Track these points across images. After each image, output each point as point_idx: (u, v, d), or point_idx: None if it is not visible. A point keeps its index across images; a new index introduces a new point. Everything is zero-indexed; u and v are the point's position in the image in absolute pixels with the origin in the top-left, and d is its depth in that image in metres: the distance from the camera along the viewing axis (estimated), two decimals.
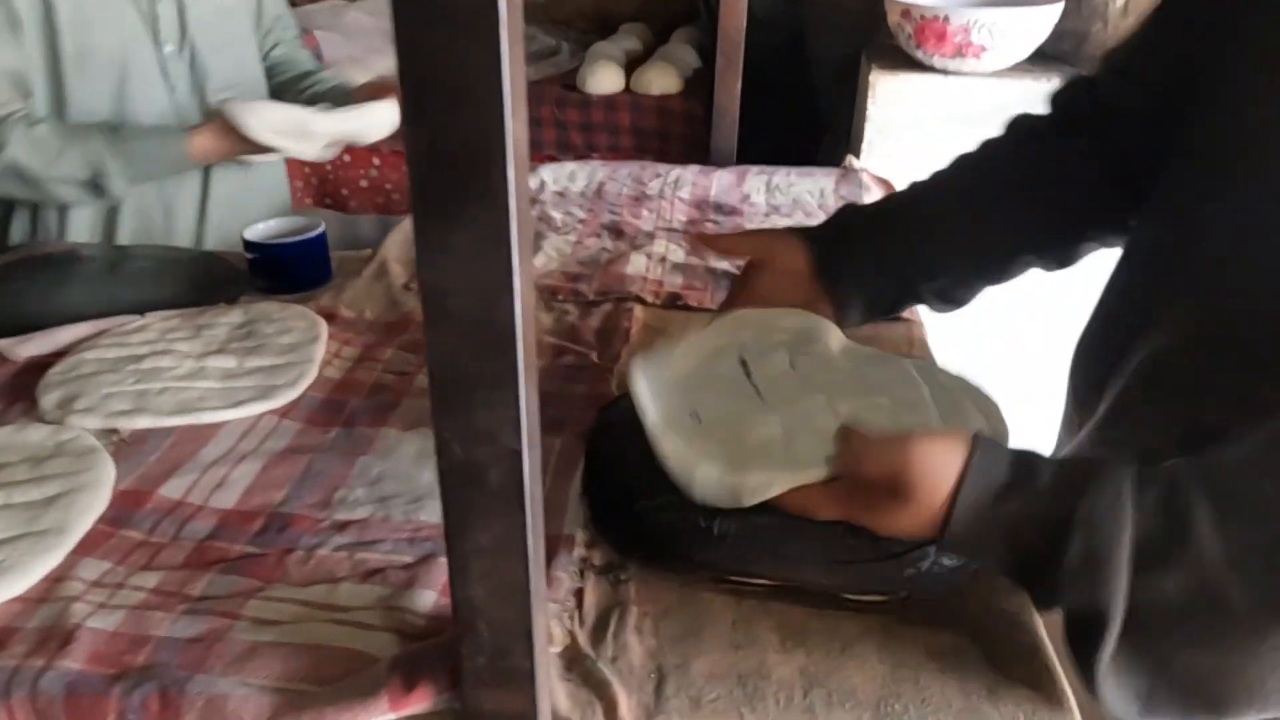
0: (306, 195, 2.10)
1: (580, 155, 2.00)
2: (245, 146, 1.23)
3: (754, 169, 1.43)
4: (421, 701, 0.53)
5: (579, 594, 0.64)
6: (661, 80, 2.09)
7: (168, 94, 1.29)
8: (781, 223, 1.23)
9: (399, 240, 1.19)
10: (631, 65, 2.20)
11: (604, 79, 2.10)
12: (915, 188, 0.85)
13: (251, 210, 1.32)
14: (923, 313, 1.00)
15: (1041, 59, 1.66)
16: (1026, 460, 0.56)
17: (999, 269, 0.82)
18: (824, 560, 0.62)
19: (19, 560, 0.65)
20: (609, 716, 0.55)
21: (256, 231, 1.08)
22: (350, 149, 1.76)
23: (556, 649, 0.60)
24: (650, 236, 1.21)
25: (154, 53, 1.27)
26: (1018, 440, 0.62)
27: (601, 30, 2.56)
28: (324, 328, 0.97)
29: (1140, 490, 0.53)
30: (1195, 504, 0.52)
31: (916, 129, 1.64)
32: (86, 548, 0.68)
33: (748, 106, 1.49)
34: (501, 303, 0.39)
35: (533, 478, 0.45)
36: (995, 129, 0.85)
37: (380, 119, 1.27)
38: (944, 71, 1.62)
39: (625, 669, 0.59)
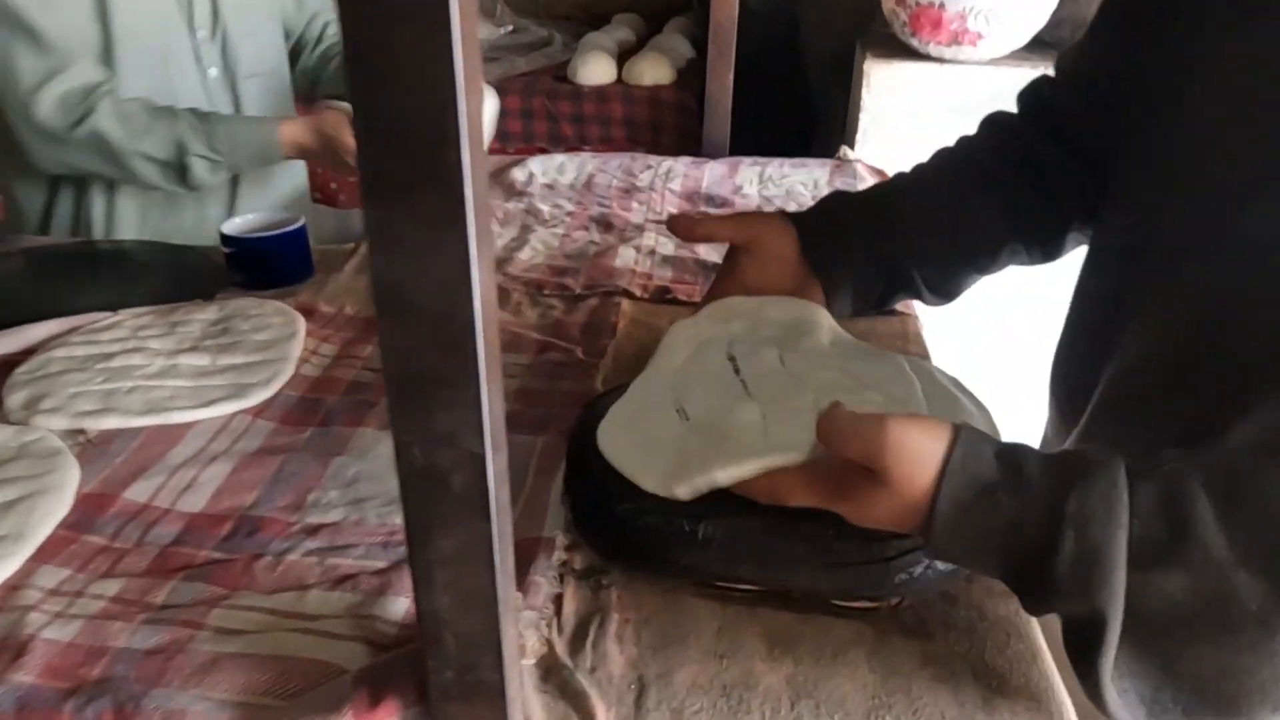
0: None
1: (572, 147, 1.97)
2: (332, 157, 1.25)
3: (747, 160, 1.40)
4: (388, 717, 0.51)
5: (558, 600, 0.62)
6: (654, 71, 2.07)
7: (200, 79, 1.29)
8: None
9: None
10: (624, 56, 2.18)
11: (596, 70, 2.07)
12: (900, 177, 0.85)
13: (276, 197, 1.32)
14: (918, 308, 0.98)
15: (1040, 46, 1.63)
16: (1013, 452, 0.53)
17: (988, 257, 0.82)
18: (812, 564, 0.59)
19: None
20: None
21: (234, 225, 1.06)
22: None
23: (532, 659, 0.57)
24: (640, 229, 1.18)
25: (189, 38, 1.27)
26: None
27: (594, 21, 2.54)
28: (302, 324, 0.94)
29: (1134, 485, 0.50)
30: (1196, 501, 0.50)
31: (912, 118, 1.61)
32: (46, 554, 0.65)
33: (741, 97, 1.47)
34: (459, 295, 0.36)
35: (498, 482, 0.42)
36: None
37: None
38: (940, 60, 1.59)
39: (604, 679, 0.56)
